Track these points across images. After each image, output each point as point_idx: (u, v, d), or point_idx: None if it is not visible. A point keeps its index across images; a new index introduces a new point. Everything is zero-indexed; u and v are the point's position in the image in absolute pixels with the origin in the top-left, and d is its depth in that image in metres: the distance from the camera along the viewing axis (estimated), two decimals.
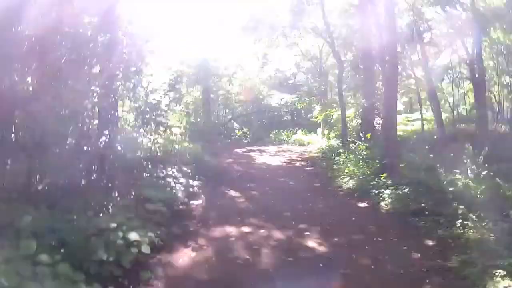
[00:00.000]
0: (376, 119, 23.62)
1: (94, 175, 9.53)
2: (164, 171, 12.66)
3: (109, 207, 8.53)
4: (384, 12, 15.48)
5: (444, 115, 25.21)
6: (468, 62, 23.33)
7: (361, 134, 21.72)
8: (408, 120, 28.32)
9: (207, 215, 10.73)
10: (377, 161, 15.20)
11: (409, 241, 8.42)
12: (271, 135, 32.84)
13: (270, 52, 32.94)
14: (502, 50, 24.23)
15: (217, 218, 10.37)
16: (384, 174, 13.05)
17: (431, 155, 15.46)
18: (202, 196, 12.43)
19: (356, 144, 19.86)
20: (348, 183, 14.43)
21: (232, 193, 13.64)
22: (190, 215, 10.69)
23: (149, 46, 12.17)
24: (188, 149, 17.24)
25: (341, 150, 19.39)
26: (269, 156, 23.52)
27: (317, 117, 29.55)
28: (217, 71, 34.34)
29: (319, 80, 32.51)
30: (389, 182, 12.43)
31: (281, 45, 30.71)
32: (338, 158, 18.44)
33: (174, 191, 11.32)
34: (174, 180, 12.34)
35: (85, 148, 9.41)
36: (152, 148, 13.65)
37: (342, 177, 15.37)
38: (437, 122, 22.80)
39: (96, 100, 9.37)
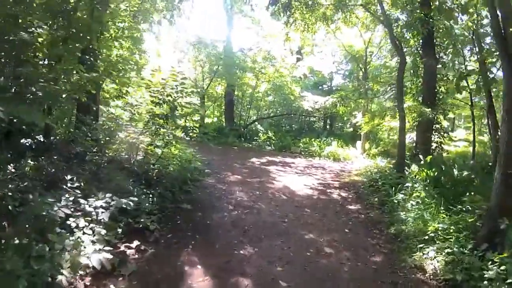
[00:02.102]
0: (434, 136, 17.62)
1: None
2: (83, 201, 6.67)
3: None
4: None
5: (486, 138, 21.90)
6: None
7: (420, 156, 15.27)
8: (451, 139, 21.79)
9: None
10: (465, 210, 8.79)
11: None
12: (301, 144, 24.77)
13: (305, 44, 24.80)
14: None
15: None
16: None
17: None
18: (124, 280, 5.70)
19: (414, 170, 13.53)
20: (433, 262, 7.12)
21: (197, 278, 6.07)
22: None
23: None
24: (174, 155, 11.58)
25: (406, 182, 12.29)
26: (295, 175, 15.72)
27: (362, 127, 20.94)
28: (243, 64, 26.42)
29: (362, 82, 23.83)
30: None
31: (320, 32, 21.92)
32: (400, 195, 11.30)
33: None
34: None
35: None
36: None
37: (418, 242, 8.02)
38: (493, 143, 16.25)
39: None
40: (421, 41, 16.67)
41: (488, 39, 17.73)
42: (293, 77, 28.27)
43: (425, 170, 13.13)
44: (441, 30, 16.85)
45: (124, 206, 6.79)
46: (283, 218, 9.47)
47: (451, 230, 7.85)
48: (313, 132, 30.46)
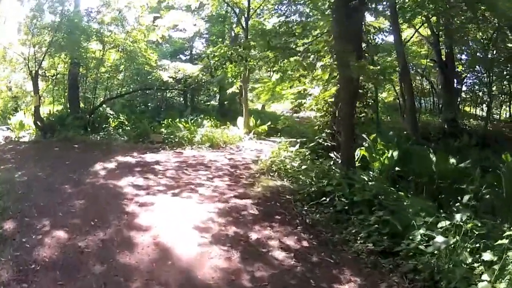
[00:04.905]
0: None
1: None
2: None
3: None
4: None
5: None
6: (432, 42, 18.97)
7: (364, 135, 9.97)
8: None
9: None
10: None
11: None
12: (162, 129, 16.39)
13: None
14: None
15: None
16: None
17: None
18: None
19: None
20: None
21: None
22: None
23: None
24: None
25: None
26: (167, 196, 7.70)
27: (261, 96, 14.17)
28: (89, 30, 17.10)
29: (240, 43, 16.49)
30: None
31: None
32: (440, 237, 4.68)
33: None
34: None
35: None
36: None
37: None
38: (409, 109, 14.86)
39: None
40: None
41: None
42: (148, 41, 19.54)
43: (380, 159, 8.85)
44: None
45: None
46: None
47: None
48: (173, 110, 22.70)
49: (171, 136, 15.02)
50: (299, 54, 11.18)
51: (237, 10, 19.22)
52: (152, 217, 6.23)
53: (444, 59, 18.66)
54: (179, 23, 18.30)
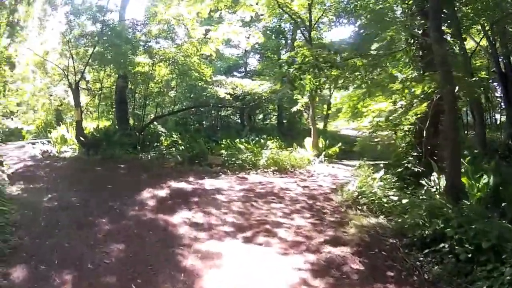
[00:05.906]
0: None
1: None
2: None
3: None
4: None
5: None
6: (491, 51, 16.40)
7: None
8: None
9: None
10: None
11: None
12: (222, 150, 14.81)
13: (222, 6, 15.84)
14: None
15: None
16: None
17: None
18: None
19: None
20: None
21: None
22: None
23: None
24: None
25: None
26: (237, 241, 5.92)
27: (344, 111, 12.04)
28: (135, 42, 15.27)
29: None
30: None
31: None
32: None
33: None
34: None
35: None
36: None
37: None
38: (478, 125, 14.48)
39: None
40: None
41: None
42: (200, 55, 17.64)
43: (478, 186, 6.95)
44: None
45: None
46: None
47: None
48: (230, 129, 21.63)
49: (232, 159, 13.24)
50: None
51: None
52: (221, 279, 4.52)
53: (504, 70, 16.53)
54: (233, 35, 16.85)
